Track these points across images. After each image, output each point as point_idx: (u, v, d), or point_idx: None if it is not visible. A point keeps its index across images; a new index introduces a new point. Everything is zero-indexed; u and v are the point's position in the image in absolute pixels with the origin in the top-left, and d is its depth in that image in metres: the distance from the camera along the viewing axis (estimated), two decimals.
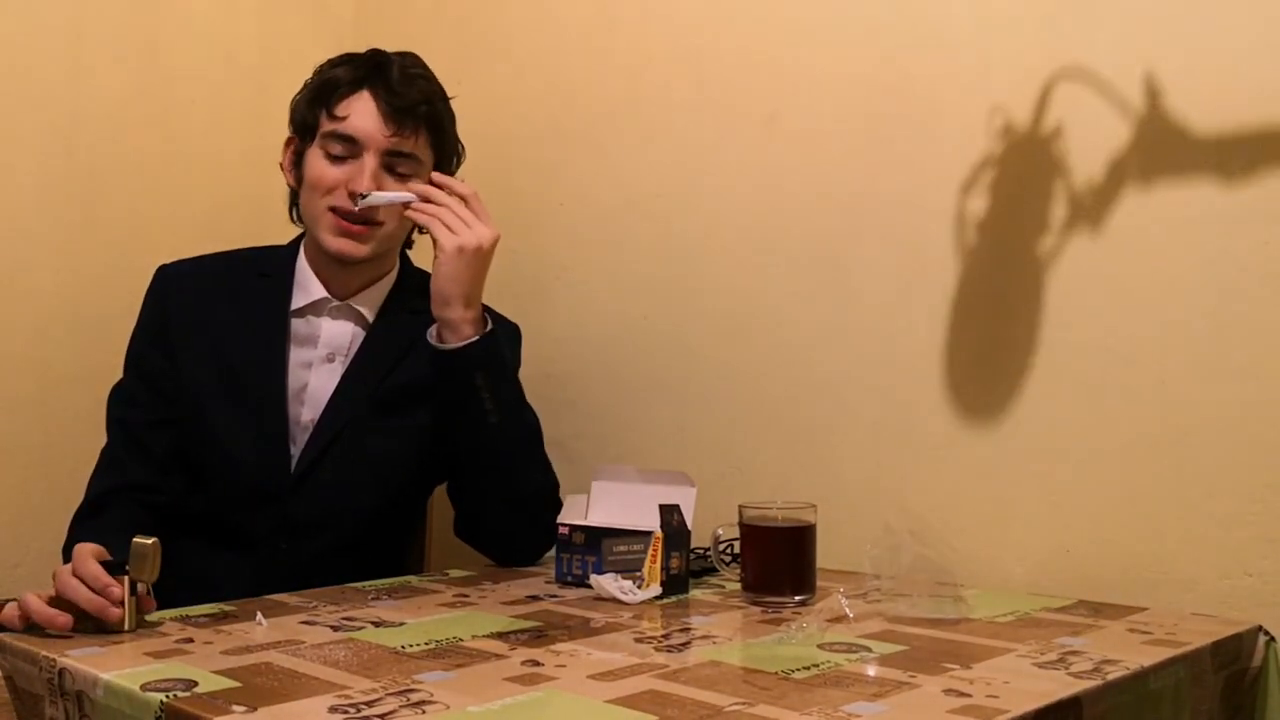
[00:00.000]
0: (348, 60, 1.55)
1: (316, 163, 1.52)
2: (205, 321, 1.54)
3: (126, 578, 1.14)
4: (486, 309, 1.70)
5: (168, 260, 1.60)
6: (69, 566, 1.17)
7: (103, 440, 1.54)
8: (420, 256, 1.67)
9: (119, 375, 1.56)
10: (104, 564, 1.15)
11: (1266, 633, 1.23)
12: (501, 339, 1.51)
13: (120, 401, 1.55)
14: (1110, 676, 0.99)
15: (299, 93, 1.59)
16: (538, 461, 1.56)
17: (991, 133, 1.46)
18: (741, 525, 1.33)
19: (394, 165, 1.52)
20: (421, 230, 1.52)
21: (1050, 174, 1.42)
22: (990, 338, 1.48)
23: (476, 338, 1.46)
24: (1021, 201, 1.45)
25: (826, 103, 1.62)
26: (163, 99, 2.02)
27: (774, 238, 1.67)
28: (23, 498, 1.84)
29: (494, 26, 2.05)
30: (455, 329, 1.46)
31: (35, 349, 1.86)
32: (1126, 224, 1.37)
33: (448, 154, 1.60)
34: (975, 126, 1.48)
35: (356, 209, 1.48)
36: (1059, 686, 0.96)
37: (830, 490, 1.59)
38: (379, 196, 1.48)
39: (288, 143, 1.59)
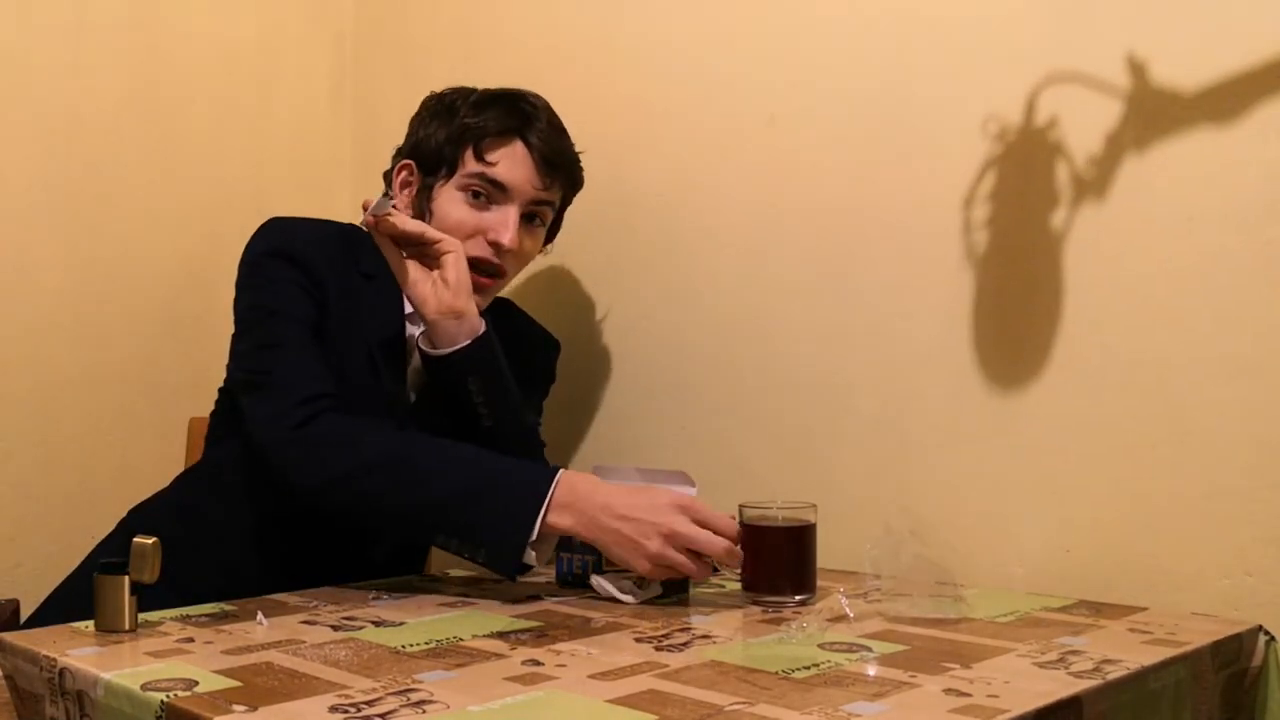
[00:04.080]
0: (492, 102, 1.53)
1: (455, 206, 1.50)
2: (336, 299, 1.47)
3: (127, 578, 1.14)
4: (531, 321, 1.71)
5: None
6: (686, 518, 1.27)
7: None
8: None
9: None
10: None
11: (1267, 633, 1.23)
12: (494, 341, 1.47)
13: (298, 346, 1.40)
14: (1110, 676, 0.99)
15: (425, 119, 1.55)
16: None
17: (988, 137, 1.46)
18: (742, 525, 1.33)
19: (533, 214, 1.54)
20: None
21: (1050, 171, 1.42)
22: (991, 338, 1.48)
23: (470, 342, 1.43)
24: (1020, 202, 1.45)
25: (826, 103, 1.62)
26: (163, 99, 2.02)
27: (774, 237, 1.67)
28: (23, 498, 1.84)
29: (494, 27, 2.05)
30: (468, 326, 1.43)
31: (35, 349, 1.87)
32: (1127, 223, 1.37)
33: (566, 208, 1.62)
34: (975, 126, 1.48)
35: (369, 220, 1.41)
36: (1059, 686, 0.96)
37: (830, 490, 1.59)
38: (376, 207, 1.41)
39: (402, 167, 1.55)
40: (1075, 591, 1.37)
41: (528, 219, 1.54)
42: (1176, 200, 1.34)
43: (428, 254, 1.44)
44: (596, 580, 1.33)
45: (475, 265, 1.49)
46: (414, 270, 1.43)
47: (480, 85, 1.59)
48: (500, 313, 1.65)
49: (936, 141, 1.52)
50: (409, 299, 1.44)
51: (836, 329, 1.61)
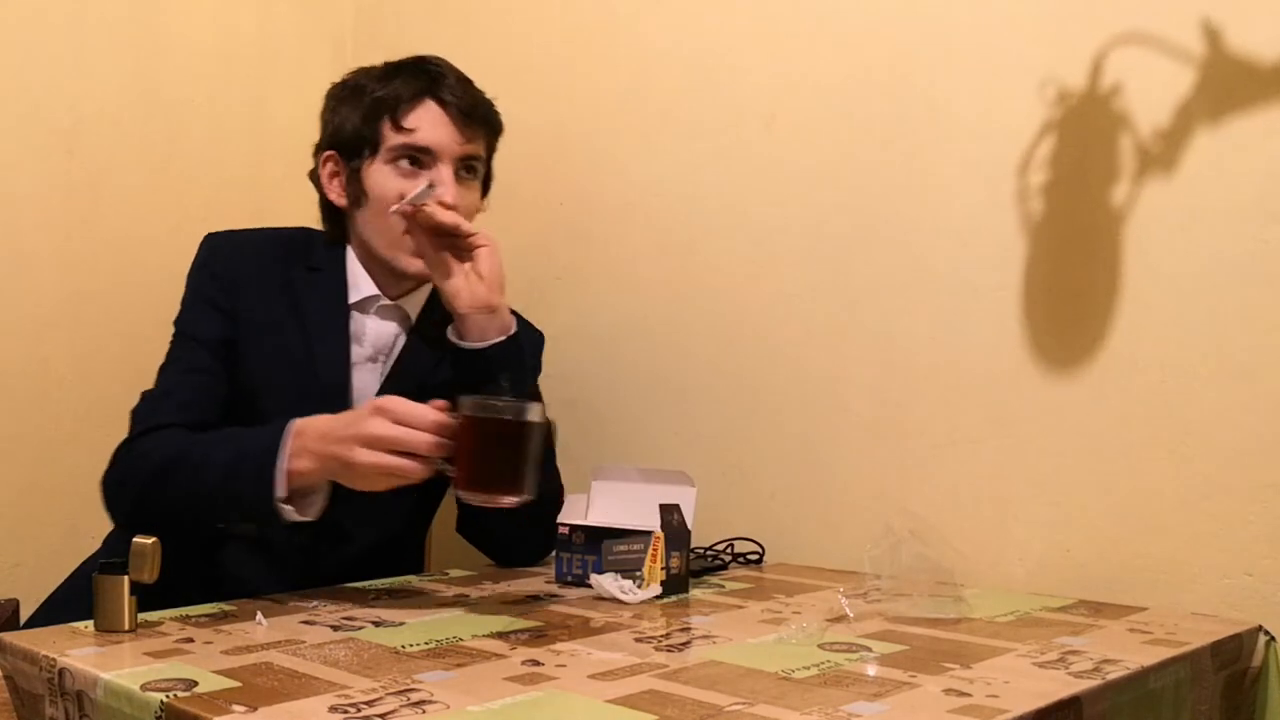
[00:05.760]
0: (395, 72, 1.52)
1: (387, 180, 1.49)
2: (263, 301, 1.50)
3: (126, 578, 1.14)
4: (514, 314, 1.71)
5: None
6: (380, 418, 1.21)
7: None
8: None
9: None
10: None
11: (1267, 633, 1.23)
12: (523, 341, 1.49)
13: (182, 371, 1.46)
14: (1110, 676, 0.99)
15: (335, 107, 1.54)
16: (549, 466, 1.55)
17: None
18: (461, 417, 1.20)
19: (464, 169, 1.52)
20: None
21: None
22: (989, 338, 1.47)
23: (504, 338, 1.45)
24: (1032, 202, 1.45)
25: (826, 103, 1.62)
26: (163, 99, 2.02)
27: (774, 237, 1.67)
28: (23, 498, 1.84)
29: (494, 27, 2.05)
30: (497, 323, 1.44)
31: (35, 349, 1.87)
32: (1143, 217, 1.36)
33: (493, 154, 1.60)
34: (976, 125, 1.48)
35: (396, 210, 1.44)
36: (1059, 686, 0.96)
37: (830, 490, 1.59)
38: (416, 196, 1.43)
39: (326, 159, 1.54)
40: (1075, 591, 1.37)
41: (461, 176, 1.52)
42: (1180, 197, 1.33)
43: (461, 247, 1.45)
44: (596, 580, 1.33)
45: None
46: (446, 263, 1.44)
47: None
48: None
49: (937, 141, 1.52)
50: (440, 291, 1.46)
51: (836, 329, 1.61)
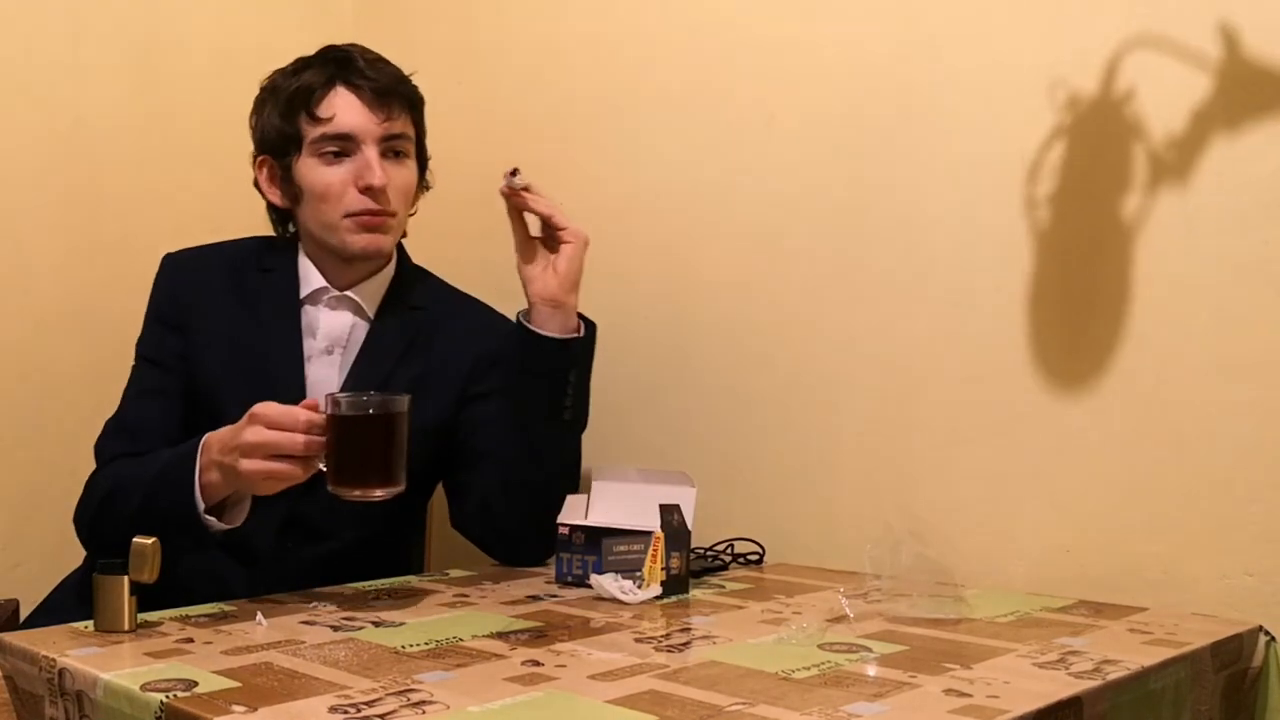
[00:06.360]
0: (304, 65, 1.54)
1: (315, 171, 1.50)
2: (218, 310, 1.53)
3: (126, 578, 1.14)
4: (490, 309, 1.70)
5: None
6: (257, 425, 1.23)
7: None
8: (464, 256, 1.66)
9: (118, 374, 1.55)
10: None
11: (1267, 633, 1.23)
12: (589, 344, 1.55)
13: (136, 395, 1.52)
14: (1110, 677, 0.99)
15: (259, 111, 1.56)
16: (577, 469, 1.56)
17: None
18: (329, 416, 1.23)
19: (391, 149, 1.52)
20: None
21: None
22: (989, 338, 1.47)
23: (583, 333, 1.50)
24: (1039, 209, 1.45)
25: (826, 103, 1.62)
26: (163, 99, 2.02)
27: (774, 237, 1.67)
28: (23, 498, 1.84)
29: (494, 26, 2.05)
30: (561, 319, 1.49)
31: (35, 348, 1.87)
32: (1150, 222, 1.36)
33: (424, 130, 1.61)
34: (976, 124, 1.48)
35: (505, 190, 1.48)
36: (1059, 687, 0.96)
37: (830, 490, 1.59)
38: (511, 181, 1.47)
39: (260, 164, 1.56)
40: (1075, 591, 1.37)
41: (390, 155, 1.52)
42: (1184, 195, 1.33)
43: (552, 237, 1.51)
44: (596, 580, 1.33)
45: (360, 219, 1.50)
46: (533, 249, 1.51)
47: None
48: (448, 299, 1.66)
49: (937, 140, 1.51)
50: (519, 273, 1.50)
51: (836, 328, 1.60)
